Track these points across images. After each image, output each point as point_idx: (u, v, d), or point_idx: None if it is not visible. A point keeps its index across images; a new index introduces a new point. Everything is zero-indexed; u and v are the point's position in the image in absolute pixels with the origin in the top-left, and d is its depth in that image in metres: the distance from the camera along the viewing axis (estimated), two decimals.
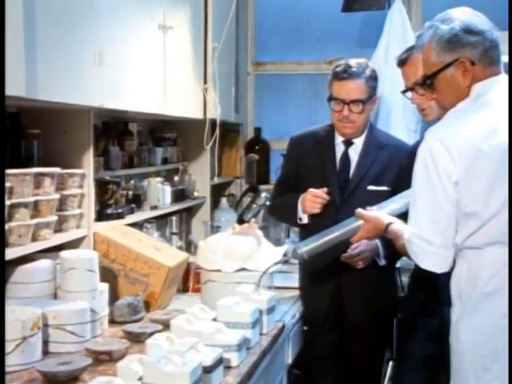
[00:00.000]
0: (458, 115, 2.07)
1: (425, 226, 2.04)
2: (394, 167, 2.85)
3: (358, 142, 2.91)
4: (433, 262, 2.05)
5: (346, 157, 2.91)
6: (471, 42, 2.05)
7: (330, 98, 2.87)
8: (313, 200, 2.82)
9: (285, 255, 2.70)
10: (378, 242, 2.77)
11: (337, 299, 2.89)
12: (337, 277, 2.85)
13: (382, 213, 2.39)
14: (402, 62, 2.67)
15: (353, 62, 2.86)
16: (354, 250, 2.77)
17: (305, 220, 2.90)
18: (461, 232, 2.02)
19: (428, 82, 2.14)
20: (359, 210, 2.43)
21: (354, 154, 2.91)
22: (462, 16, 2.09)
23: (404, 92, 2.66)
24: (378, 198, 2.75)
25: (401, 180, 2.78)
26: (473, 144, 1.97)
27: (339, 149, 2.92)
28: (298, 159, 2.99)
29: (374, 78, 2.88)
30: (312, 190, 2.83)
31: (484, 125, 2.00)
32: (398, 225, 2.28)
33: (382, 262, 2.81)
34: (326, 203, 2.83)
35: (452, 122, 2.06)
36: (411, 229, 2.10)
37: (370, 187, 2.86)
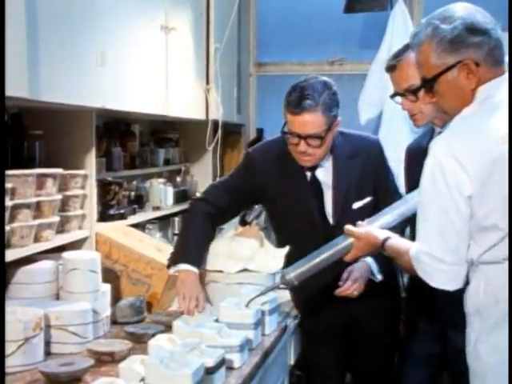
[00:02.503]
0: (465, 122, 1.93)
1: (434, 243, 1.91)
2: (370, 170, 2.65)
3: (325, 164, 2.63)
4: (445, 279, 1.92)
5: (315, 182, 2.64)
6: (476, 42, 1.92)
7: (284, 131, 2.54)
8: (189, 306, 2.45)
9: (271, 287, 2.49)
10: (367, 260, 2.58)
11: (336, 314, 2.74)
12: (334, 290, 2.65)
13: (374, 228, 2.25)
14: (391, 69, 2.55)
15: (308, 87, 2.50)
16: (345, 282, 2.55)
17: (171, 272, 2.56)
18: (477, 247, 1.89)
19: (427, 86, 2.01)
20: (348, 227, 2.27)
21: (325, 175, 2.63)
22: (463, 13, 1.94)
23: (393, 97, 2.56)
24: (367, 211, 2.57)
25: (378, 181, 2.66)
26: (486, 153, 1.84)
27: (307, 173, 2.64)
28: (259, 182, 2.64)
29: (333, 104, 2.53)
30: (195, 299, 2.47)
31: (495, 130, 1.86)
32: (396, 240, 2.14)
33: (379, 278, 2.61)
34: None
35: (460, 130, 1.93)
36: (419, 246, 1.95)
37: (355, 205, 2.64)
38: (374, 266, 2.60)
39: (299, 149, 2.54)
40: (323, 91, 2.51)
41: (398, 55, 2.53)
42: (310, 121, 2.49)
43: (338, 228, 2.48)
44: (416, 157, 2.57)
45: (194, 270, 2.56)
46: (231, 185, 2.72)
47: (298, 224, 2.66)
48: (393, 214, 2.33)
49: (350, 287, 2.55)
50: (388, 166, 2.76)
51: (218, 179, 2.93)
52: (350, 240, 2.28)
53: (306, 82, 2.53)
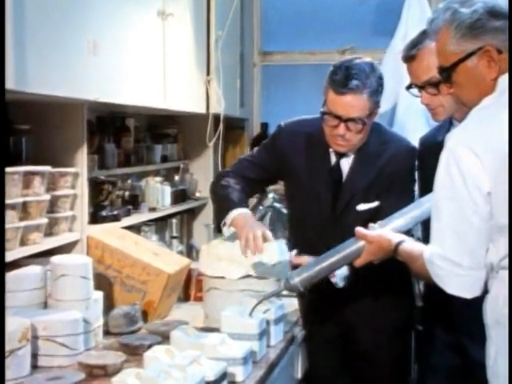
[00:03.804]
0: (483, 114, 1.92)
1: (450, 245, 1.88)
2: (385, 175, 2.63)
3: (350, 154, 2.67)
4: (461, 286, 1.89)
5: (337, 168, 2.68)
6: (497, 27, 1.90)
7: (324, 112, 2.57)
8: (255, 244, 2.53)
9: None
10: None
11: (342, 324, 2.76)
12: (342, 299, 2.67)
13: (387, 231, 2.24)
14: (410, 59, 2.52)
15: (355, 67, 2.52)
16: None
17: (226, 232, 2.63)
18: (497, 250, 1.86)
19: (445, 75, 2.00)
20: (360, 230, 2.25)
21: (347, 165, 2.68)
22: None
23: (409, 88, 2.54)
24: (371, 217, 2.54)
25: (387, 188, 2.63)
26: (503, 146, 1.82)
27: (332, 157, 2.68)
28: (284, 156, 2.73)
29: (379, 89, 2.57)
30: (261, 235, 2.54)
31: None
32: (410, 244, 2.13)
33: (339, 285, 2.54)
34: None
35: (478, 122, 1.91)
36: (433, 248, 1.92)
37: (360, 207, 2.63)
38: (341, 271, 2.52)
39: (337, 132, 2.56)
40: (370, 73, 2.54)
41: (417, 44, 2.50)
42: (355, 103, 2.52)
43: (338, 225, 2.58)
44: (430, 151, 2.54)
45: (248, 212, 2.66)
46: (259, 155, 2.82)
47: (307, 210, 2.69)
48: (406, 217, 2.32)
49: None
50: (408, 179, 2.68)
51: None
52: (361, 243, 2.26)
53: (352, 62, 2.55)
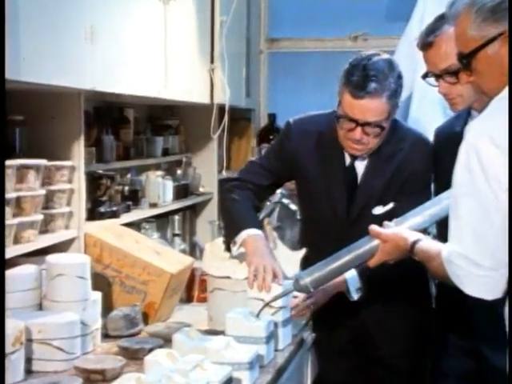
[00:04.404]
0: (505, 104, 1.88)
1: (470, 243, 1.86)
2: (401, 175, 2.64)
3: (367, 155, 2.67)
4: (481, 287, 1.87)
5: (352, 169, 2.68)
6: None
7: (339, 115, 2.56)
8: (264, 279, 2.46)
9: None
10: (346, 276, 2.53)
11: (355, 328, 2.76)
12: (354, 301, 2.63)
13: (403, 229, 2.24)
14: (427, 46, 2.51)
15: (373, 66, 2.49)
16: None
17: (235, 252, 2.60)
18: None
19: (464, 62, 1.98)
20: (374, 228, 2.26)
21: (362, 166, 2.68)
22: None
23: (425, 77, 2.54)
24: (386, 219, 2.50)
25: (404, 191, 2.63)
26: None
27: (346, 157, 2.68)
28: (294, 157, 2.73)
29: (398, 90, 2.56)
30: (274, 270, 2.49)
31: None
32: (427, 242, 2.12)
33: (354, 298, 2.56)
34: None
35: (499, 112, 1.88)
36: (452, 246, 1.90)
37: (376, 211, 2.62)
38: (353, 283, 2.56)
39: (354, 136, 2.55)
40: (389, 73, 2.52)
41: (434, 30, 2.49)
42: (373, 107, 2.50)
43: (353, 228, 2.57)
44: (447, 142, 2.54)
45: (261, 233, 2.62)
46: (268, 159, 2.80)
47: (320, 211, 2.70)
48: (424, 214, 2.30)
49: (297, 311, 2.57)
50: (425, 177, 2.67)
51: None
52: (375, 242, 2.26)
53: (369, 60, 2.52)
